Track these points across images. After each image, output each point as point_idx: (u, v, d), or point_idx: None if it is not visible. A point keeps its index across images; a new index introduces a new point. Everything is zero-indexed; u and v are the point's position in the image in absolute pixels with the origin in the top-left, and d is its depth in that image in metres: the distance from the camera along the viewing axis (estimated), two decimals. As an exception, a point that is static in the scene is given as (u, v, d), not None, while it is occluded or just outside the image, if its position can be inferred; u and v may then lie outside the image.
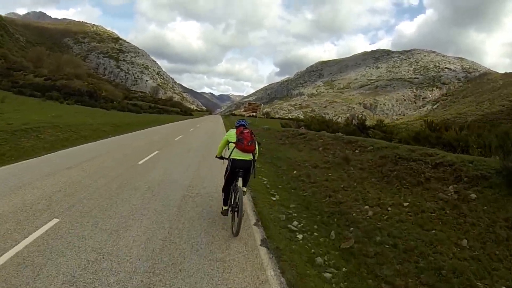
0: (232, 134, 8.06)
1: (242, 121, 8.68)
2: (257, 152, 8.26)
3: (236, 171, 7.83)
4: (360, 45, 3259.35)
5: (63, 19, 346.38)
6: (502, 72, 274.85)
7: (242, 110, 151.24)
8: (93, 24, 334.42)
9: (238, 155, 7.78)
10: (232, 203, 7.93)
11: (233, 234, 7.60)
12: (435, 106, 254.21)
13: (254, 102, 63.51)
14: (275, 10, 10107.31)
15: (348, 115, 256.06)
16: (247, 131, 7.93)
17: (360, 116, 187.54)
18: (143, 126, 37.82)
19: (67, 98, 59.67)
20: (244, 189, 8.04)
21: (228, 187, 8.12)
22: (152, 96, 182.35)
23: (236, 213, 7.58)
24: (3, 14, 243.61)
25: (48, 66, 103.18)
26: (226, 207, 8.15)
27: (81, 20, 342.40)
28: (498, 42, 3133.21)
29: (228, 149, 8.10)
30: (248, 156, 7.84)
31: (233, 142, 7.89)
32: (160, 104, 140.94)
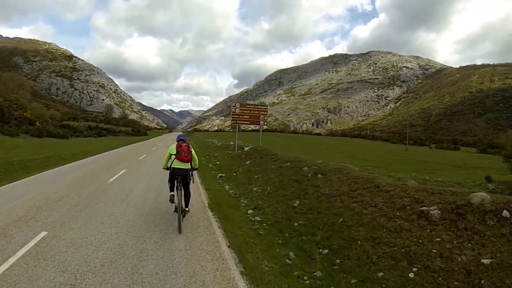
0: (173, 148, 9.07)
1: (182, 136, 9.62)
2: (196, 162, 9.38)
3: (175, 178, 8.78)
4: (317, 51, 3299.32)
5: (15, 38, 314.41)
6: (456, 67, 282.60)
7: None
8: (45, 42, 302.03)
9: (177, 164, 8.82)
10: (176, 204, 8.61)
11: (178, 231, 8.37)
12: (397, 104, 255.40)
13: (252, 104, 40.42)
14: (231, 21, 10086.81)
15: (313, 120, 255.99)
16: (185, 144, 9.06)
17: (325, 120, 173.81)
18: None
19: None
20: (187, 209, 9.09)
21: (172, 189, 8.89)
22: (104, 116, 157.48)
23: (177, 213, 8.48)
24: None
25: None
26: (172, 193, 8.81)
27: (33, 38, 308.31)
28: (448, 40, 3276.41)
29: (170, 160, 8.97)
30: (186, 165, 8.90)
31: (174, 154, 8.91)
32: (112, 123, 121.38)
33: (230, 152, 28.42)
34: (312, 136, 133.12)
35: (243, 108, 29.91)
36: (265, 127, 31.36)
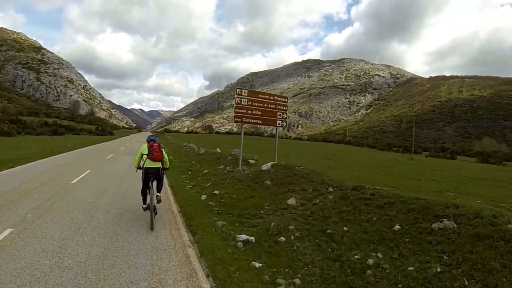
0: (144, 148, 8.98)
1: (152, 136, 9.54)
2: (167, 161, 9.46)
3: (149, 176, 8.78)
4: (290, 56, 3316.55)
5: None
6: (426, 77, 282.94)
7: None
8: (14, 31, 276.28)
9: (149, 164, 8.80)
10: (148, 202, 8.67)
11: (150, 228, 8.34)
12: (369, 111, 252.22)
13: (267, 93, 20.30)
14: (207, 22, 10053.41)
15: (283, 127, 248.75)
16: (156, 144, 9.05)
17: (296, 124, 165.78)
18: None
19: None
20: (159, 194, 9.08)
21: (145, 190, 8.99)
22: (70, 112, 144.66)
23: (150, 211, 8.50)
24: None
25: None
26: (144, 206, 8.94)
27: (1, 26, 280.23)
28: (418, 52, 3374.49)
29: (142, 160, 8.93)
30: (157, 164, 8.94)
31: (145, 154, 8.86)
32: (77, 120, 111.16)
33: (230, 169, 17.84)
34: (301, 141, 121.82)
35: (254, 98, 18.56)
36: (282, 129, 20.70)
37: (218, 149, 28.70)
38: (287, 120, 20.09)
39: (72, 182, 13.55)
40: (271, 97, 19.41)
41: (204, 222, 9.28)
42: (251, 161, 18.59)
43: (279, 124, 19.50)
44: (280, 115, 19.48)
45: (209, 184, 14.88)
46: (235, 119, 17.68)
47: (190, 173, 18.90)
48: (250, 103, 18.04)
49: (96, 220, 8.62)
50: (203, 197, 12.64)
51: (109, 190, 12.37)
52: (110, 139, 68.93)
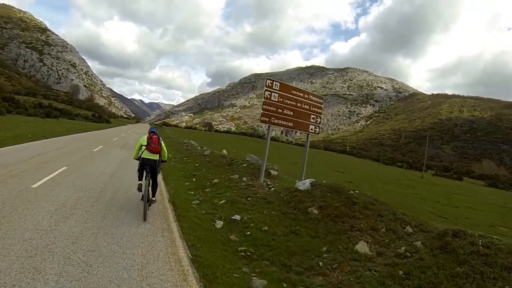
0: (144, 139, 8.94)
1: (153, 128, 9.43)
2: (166, 154, 9.44)
3: (144, 167, 8.65)
4: (294, 60, 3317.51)
5: None
6: (428, 93, 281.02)
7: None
8: (20, 10, 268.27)
9: (147, 155, 8.72)
10: (142, 193, 8.45)
11: (143, 218, 8.12)
12: (368, 122, 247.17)
13: (301, 90, 14.76)
14: (214, 19, 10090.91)
15: (282, 128, 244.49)
16: (155, 136, 8.92)
17: (294, 130, 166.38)
18: None
19: None
20: (154, 199, 8.93)
21: (140, 174, 8.76)
22: (68, 96, 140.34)
23: (143, 202, 8.31)
24: None
25: None
26: (140, 182, 8.64)
27: (8, 4, 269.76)
28: (422, 68, 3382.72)
29: (141, 150, 8.89)
30: (155, 156, 8.80)
31: (144, 145, 8.84)
32: (75, 105, 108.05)
33: (249, 181, 13.44)
34: (303, 148, 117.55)
35: (286, 94, 14.34)
36: (313, 131, 16.08)
37: (224, 151, 24.56)
38: (320, 124, 16.05)
39: (33, 186, 9.46)
40: (306, 96, 15.29)
41: (230, 280, 5.45)
42: (273, 172, 14.57)
43: (311, 129, 15.47)
44: (313, 118, 15.48)
45: (223, 201, 10.95)
46: (262, 118, 13.55)
47: (194, 179, 14.91)
48: (281, 99, 13.97)
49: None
50: (219, 223, 8.74)
51: (81, 207, 8.17)
52: (105, 127, 64.35)
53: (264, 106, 13.59)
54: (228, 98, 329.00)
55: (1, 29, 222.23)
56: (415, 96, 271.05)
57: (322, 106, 16.17)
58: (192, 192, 12.30)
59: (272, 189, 12.35)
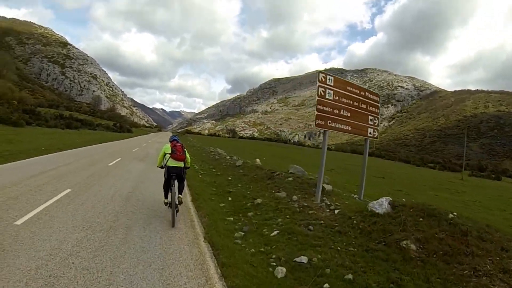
0: (167, 147, 8.98)
1: (175, 136, 9.62)
2: (189, 161, 9.32)
3: (171, 175, 8.66)
4: (313, 63, 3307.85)
5: (12, 18, 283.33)
6: (451, 90, 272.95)
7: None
8: (41, 26, 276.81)
9: (172, 163, 8.72)
10: (170, 200, 8.59)
11: (171, 225, 8.22)
12: (391, 123, 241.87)
13: (356, 86, 11.47)
14: (230, 27, 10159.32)
15: (305, 132, 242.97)
16: (179, 144, 9.01)
17: (318, 133, 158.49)
18: None
19: None
20: (180, 196, 8.82)
21: (167, 186, 8.84)
22: (90, 107, 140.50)
23: (171, 209, 8.41)
24: None
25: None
26: (166, 200, 8.85)
27: (29, 21, 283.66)
28: (442, 65, 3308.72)
29: (165, 159, 8.91)
30: (180, 164, 8.82)
31: (168, 153, 8.84)
32: (97, 115, 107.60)
33: (302, 200, 10.39)
34: (330, 152, 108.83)
35: (341, 90, 11.33)
36: (371, 136, 12.46)
37: (258, 161, 21.58)
38: (378, 127, 12.96)
39: (17, 222, 6.75)
40: (362, 93, 12.14)
41: None
42: (326, 187, 11.49)
43: (370, 133, 12.40)
44: (371, 120, 12.43)
45: (275, 231, 7.97)
46: (318, 122, 10.50)
47: (230, 198, 11.92)
48: (337, 98, 10.95)
49: None
50: (279, 271, 5.86)
51: (75, 262, 5.26)
52: (126, 137, 62.08)
53: (319, 107, 10.62)
54: (249, 104, 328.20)
55: (23, 45, 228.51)
56: (437, 93, 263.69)
57: (379, 105, 13.09)
58: (232, 218, 9.35)
59: (336, 211, 9.33)
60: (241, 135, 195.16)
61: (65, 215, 7.67)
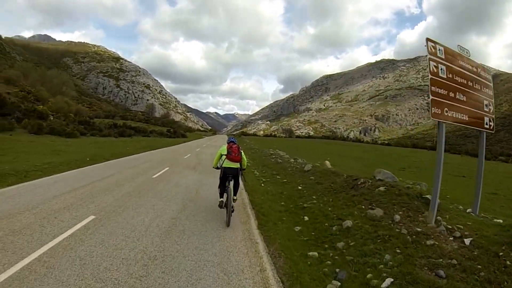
0: (224, 148, 8.86)
1: (232, 138, 9.58)
2: (245, 162, 9.15)
3: (227, 176, 8.64)
4: (363, 56, 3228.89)
5: (67, 41, 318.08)
6: None
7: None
8: (94, 45, 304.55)
9: (228, 164, 8.61)
10: (225, 201, 8.49)
11: (226, 224, 8.16)
12: None
13: (474, 63, 7.53)
14: (277, 26, 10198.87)
15: (360, 128, 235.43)
16: (235, 145, 8.86)
17: (373, 128, 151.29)
18: None
19: None
20: (235, 197, 8.79)
21: (222, 186, 8.77)
22: (144, 115, 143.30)
23: (227, 208, 8.29)
24: (9, 36, 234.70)
25: (32, 81, 79.37)
26: (221, 199, 8.69)
27: (83, 41, 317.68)
28: (501, 44, 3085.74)
29: (221, 160, 8.84)
30: (236, 165, 8.68)
31: (224, 155, 8.74)
32: (151, 122, 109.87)
33: (416, 227, 6.89)
34: (390, 147, 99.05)
35: (454, 64, 8.13)
36: (488, 127, 8.90)
37: (327, 163, 18.32)
38: (493, 114, 9.33)
39: (4, 273, 4.54)
40: (475, 68, 8.71)
41: None
42: (361, 180, 8.27)
43: (486, 124, 8.89)
44: (487, 106, 8.94)
45: (388, 280, 4.94)
46: (434, 110, 7.22)
47: (306, 218, 8.98)
48: (450, 75, 7.78)
49: None
50: None
51: None
52: (180, 142, 60.22)
53: (433, 89, 7.55)
54: (303, 102, 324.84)
55: (80, 63, 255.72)
56: (498, 77, 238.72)
57: (492, 85, 9.51)
58: (316, 254, 6.40)
59: (467, 240, 6.12)
60: (297, 134, 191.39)
61: (70, 266, 5.00)
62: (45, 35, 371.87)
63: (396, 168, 28.99)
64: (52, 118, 48.87)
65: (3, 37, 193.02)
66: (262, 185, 14.37)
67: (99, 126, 54.96)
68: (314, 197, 11.37)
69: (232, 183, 8.67)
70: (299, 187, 13.40)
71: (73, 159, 18.38)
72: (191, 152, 33.58)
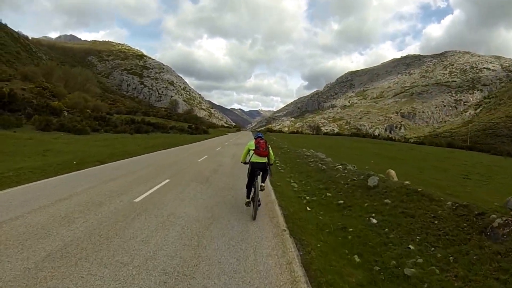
0: (251, 144, 8.98)
1: (259, 133, 9.72)
2: (272, 158, 9.20)
3: (255, 171, 8.70)
4: (388, 52, 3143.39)
5: (92, 41, 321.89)
6: None
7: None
8: (118, 43, 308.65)
9: (256, 158, 8.74)
10: (252, 195, 8.66)
11: (252, 218, 8.29)
12: (478, 110, 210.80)
13: None
14: (300, 22, 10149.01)
15: (386, 125, 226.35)
16: (263, 141, 8.95)
17: (399, 126, 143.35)
18: None
19: None
20: (263, 184, 9.10)
21: (250, 184, 8.85)
22: (166, 110, 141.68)
23: (253, 202, 8.47)
24: (36, 37, 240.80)
25: (56, 79, 78.88)
26: (248, 200, 8.91)
27: (107, 40, 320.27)
28: None
29: (249, 155, 8.95)
30: (263, 160, 8.79)
31: (252, 150, 8.87)
32: (173, 118, 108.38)
33: None
34: (424, 146, 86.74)
35: None
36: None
37: (392, 173, 13.42)
38: None
39: None
40: None
41: None
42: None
43: None
44: None
45: None
46: None
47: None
48: None
49: None
50: None
51: None
52: (201, 139, 56.46)
53: None
54: (327, 99, 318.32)
55: (104, 61, 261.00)
56: None
57: None
58: None
59: None
60: (326, 131, 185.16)
61: None
62: (71, 35, 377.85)
63: (456, 173, 23.94)
64: (66, 114, 46.70)
65: (30, 38, 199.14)
66: (308, 209, 9.51)
67: (114, 122, 51.80)
68: (411, 247, 6.18)
69: (259, 177, 8.74)
70: (373, 220, 8.10)
71: (54, 163, 14.29)
72: (209, 153, 27.28)
